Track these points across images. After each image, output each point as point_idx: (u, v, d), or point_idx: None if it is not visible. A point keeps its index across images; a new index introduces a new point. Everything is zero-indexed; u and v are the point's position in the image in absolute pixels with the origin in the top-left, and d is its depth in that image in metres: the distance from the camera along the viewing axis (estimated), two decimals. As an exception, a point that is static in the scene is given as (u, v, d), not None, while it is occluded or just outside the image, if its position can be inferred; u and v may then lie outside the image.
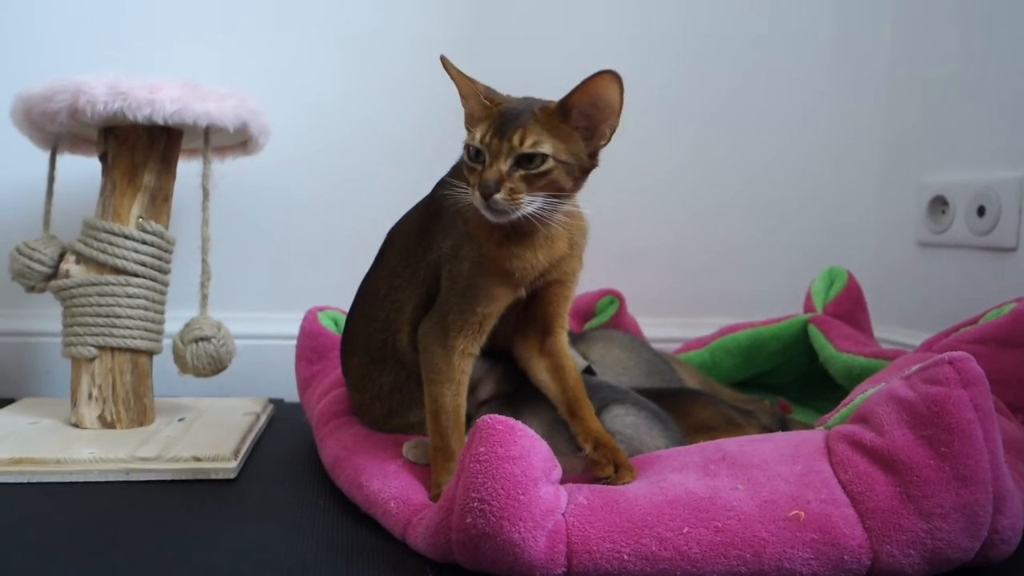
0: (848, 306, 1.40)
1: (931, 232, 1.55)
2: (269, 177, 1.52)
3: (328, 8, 1.53)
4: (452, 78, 0.90)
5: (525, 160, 0.84)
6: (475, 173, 0.86)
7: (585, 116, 0.86)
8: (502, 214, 0.84)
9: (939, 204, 1.54)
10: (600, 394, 0.95)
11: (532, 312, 0.95)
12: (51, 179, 1.26)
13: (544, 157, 0.84)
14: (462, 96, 0.92)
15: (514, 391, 1.00)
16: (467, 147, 0.88)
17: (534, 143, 0.83)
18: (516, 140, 0.83)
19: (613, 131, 0.87)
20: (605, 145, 0.88)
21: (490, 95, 0.90)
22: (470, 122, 0.90)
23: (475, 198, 0.84)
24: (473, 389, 0.95)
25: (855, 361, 1.22)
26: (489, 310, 0.90)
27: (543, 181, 0.84)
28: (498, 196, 0.83)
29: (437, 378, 0.91)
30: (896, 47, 1.68)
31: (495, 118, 0.86)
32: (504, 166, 0.84)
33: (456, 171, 0.96)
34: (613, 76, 0.82)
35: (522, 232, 0.88)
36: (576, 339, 1.22)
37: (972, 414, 0.75)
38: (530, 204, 0.84)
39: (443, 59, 0.90)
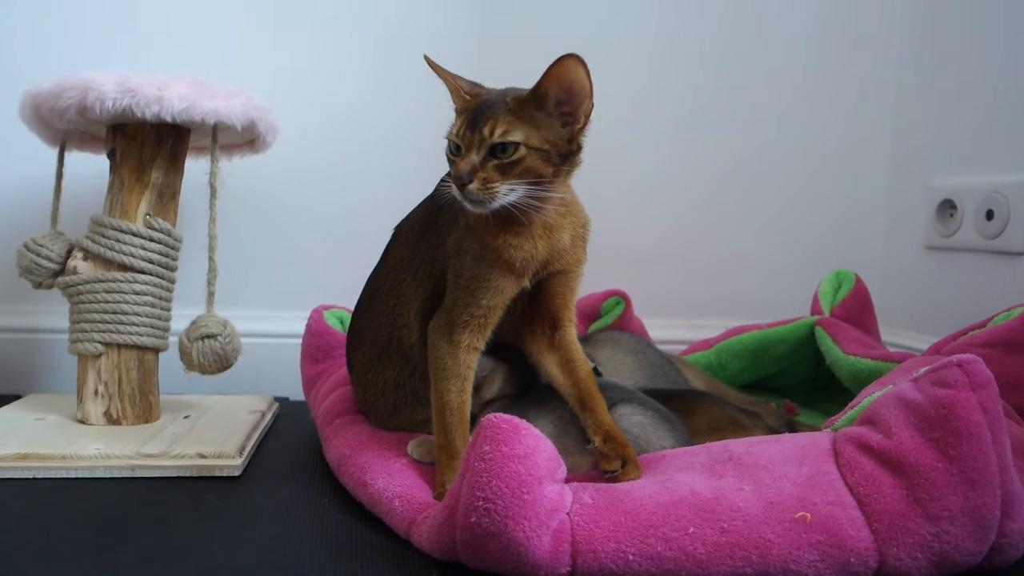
0: (855, 309, 1.39)
1: (939, 235, 1.55)
2: (277, 176, 1.52)
3: (338, 8, 1.54)
4: (438, 75, 0.91)
5: (499, 150, 0.84)
6: (454, 166, 0.87)
7: (561, 102, 0.86)
8: (479, 204, 0.85)
9: (947, 207, 1.53)
10: (607, 394, 0.95)
11: (540, 306, 0.95)
12: (59, 176, 1.27)
13: (516, 146, 0.84)
14: (450, 92, 0.92)
15: (521, 392, 1.00)
16: (448, 141, 0.89)
17: (503, 132, 0.84)
18: (487, 131, 0.84)
19: (588, 114, 0.87)
20: (583, 128, 0.88)
21: (472, 89, 0.91)
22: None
23: (453, 190, 0.86)
24: (477, 388, 0.95)
25: (862, 364, 1.22)
26: (494, 302, 0.90)
27: (518, 169, 0.85)
28: (471, 187, 0.84)
29: (443, 374, 0.91)
30: (905, 49, 1.67)
31: (470, 111, 0.87)
32: (477, 157, 0.85)
33: None
34: (576, 59, 0.83)
35: (518, 222, 0.88)
36: (582, 341, 1.21)
37: (981, 417, 0.75)
38: (509, 193, 0.85)
39: (427, 58, 0.91)
